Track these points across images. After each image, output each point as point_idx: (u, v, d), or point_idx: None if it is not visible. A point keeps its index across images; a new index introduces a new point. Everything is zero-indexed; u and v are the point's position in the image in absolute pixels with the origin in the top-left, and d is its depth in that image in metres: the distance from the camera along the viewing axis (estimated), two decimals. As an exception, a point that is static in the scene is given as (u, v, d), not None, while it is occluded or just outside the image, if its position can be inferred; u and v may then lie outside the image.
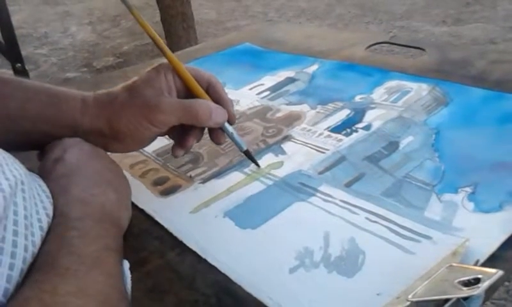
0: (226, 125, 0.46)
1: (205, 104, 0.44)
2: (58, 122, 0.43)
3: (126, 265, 0.34)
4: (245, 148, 0.47)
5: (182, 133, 0.46)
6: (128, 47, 3.19)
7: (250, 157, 0.48)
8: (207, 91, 0.45)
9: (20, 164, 0.34)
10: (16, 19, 2.76)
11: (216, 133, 0.46)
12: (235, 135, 0.46)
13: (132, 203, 0.44)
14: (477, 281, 0.29)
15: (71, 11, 4.09)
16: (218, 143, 0.47)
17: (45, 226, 0.32)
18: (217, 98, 0.45)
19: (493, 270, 0.29)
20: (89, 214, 0.34)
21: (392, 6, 3.37)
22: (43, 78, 2.76)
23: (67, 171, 0.38)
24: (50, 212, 0.34)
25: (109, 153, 0.45)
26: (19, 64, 1.81)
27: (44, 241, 0.32)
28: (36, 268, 0.29)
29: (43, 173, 0.39)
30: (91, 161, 0.40)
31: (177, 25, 2.67)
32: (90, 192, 0.37)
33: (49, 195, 0.35)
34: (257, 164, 0.48)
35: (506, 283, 1.15)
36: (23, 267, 0.29)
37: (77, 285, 0.29)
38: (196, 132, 0.46)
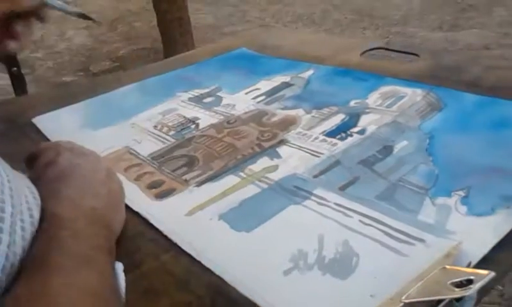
0: None
1: None
2: None
3: (119, 266, 0.34)
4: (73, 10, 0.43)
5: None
6: (124, 51, 3.19)
7: (83, 16, 0.45)
8: None
9: (5, 163, 0.34)
10: (12, 23, 2.75)
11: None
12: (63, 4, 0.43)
13: (127, 206, 0.44)
14: (469, 282, 0.29)
15: (67, 15, 4.08)
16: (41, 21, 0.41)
17: (28, 227, 0.32)
18: None
19: (485, 272, 0.30)
20: (80, 215, 0.35)
21: (388, 11, 3.39)
22: (39, 82, 2.75)
23: (58, 174, 0.38)
24: (35, 213, 0.34)
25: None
26: (15, 68, 1.81)
27: (35, 241, 0.32)
28: (27, 267, 0.30)
29: (35, 176, 0.39)
30: (83, 164, 0.40)
31: (174, 30, 2.67)
32: (81, 194, 0.37)
33: (37, 196, 0.35)
34: (93, 20, 0.45)
35: (500, 287, 1.15)
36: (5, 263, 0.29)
37: (68, 279, 0.29)
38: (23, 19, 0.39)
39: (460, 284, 0.30)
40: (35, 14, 0.40)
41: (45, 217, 0.34)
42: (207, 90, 0.71)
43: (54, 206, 0.35)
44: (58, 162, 0.39)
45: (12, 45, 0.40)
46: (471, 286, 0.29)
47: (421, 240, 0.38)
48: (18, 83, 1.57)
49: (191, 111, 0.65)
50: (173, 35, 2.69)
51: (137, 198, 0.47)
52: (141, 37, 3.35)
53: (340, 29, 3.22)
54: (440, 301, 0.30)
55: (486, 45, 2.65)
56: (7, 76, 1.70)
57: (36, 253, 0.31)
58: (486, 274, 0.29)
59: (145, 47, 3.19)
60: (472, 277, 0.30)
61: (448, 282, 0.30)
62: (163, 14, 2.68)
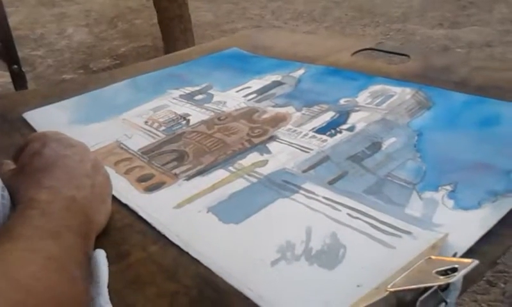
0: None
1: None
2: None
3: (102, 254, 0.34)
4: None
5: None
6: (125, 48, 3.18)
7: None
8: None
9: None
10: (12, 20, 2.74)
11: None
12: None
13: (116, 198, 0.44)
14: (454, 271, 0.30)
15: (67, 12, 4.07)
16: None
17: None
18: None
19: (468, 260, 0.30)
20: (57, 200, 0.35)
21: (389, 8, 3.40)
22: (39, 80, 2.74)
23: (42, 165, 0.39)
24: None
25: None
26: (16, 66, 1.80)
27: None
28: None
29: (20, 166, 0.39)
30: (69, 155, 0.40)
31: (174, 28, 2.67)
32: (62, 184, 0.37)
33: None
34: None
35: (502, 285, 1.16)
36: None
37: (26, 244, 0.29)
38: None
39: (445, 273, 0.30)
40: None
41: (22, 201, 0.34)
42: (198, 88, 0.72)
43: (33, 193, 0.35)
44: (43, 152, 0.39)
45: None
46: (455, 273, 0.29)
47: (408, 233, 0.38)
48: (19, 81, 1.56)
49: (182, 108, 0.65)
50: (173, 33, 2.68)
51: (127, 191, 0.47)
52: (142, 34, 3.35)
53: (341, 26, 3.22)
54: (425, 290, 0.30)
55: (487, 42, 2.65)
56: (8, 74, 1.69)
57: (2, 228, 0.31)
58: (470, 262, 0.30)
59: (146, 44, 3.18)
60: (456, 266, 0.30)
61: (433, 271, 0.30)
62: (163, 11, 2.68)
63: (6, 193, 0.36)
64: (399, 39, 2.88)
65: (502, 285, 1.16)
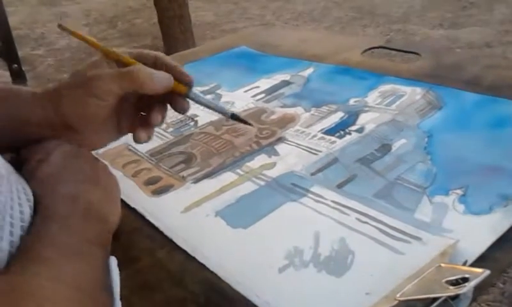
0: (195, 90, 0.42)
1: (144, 67, 0.40)
2: (11, 116, 0.41)
3: (113, 261, 0.34)
4: (230, 113, 0.43)
5: (145, 117, 0.43)
6: (125, 48, 3.18)
7: (239, 119, 0.43)
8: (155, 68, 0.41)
9: (1, 157, 0.34)
10: (13, 20, 2.75)
11: (178, 101, 0.43)
12: (213, 101, 0.42)
13: (124, 202, 0.44)
14: (464, 280, 0.29)
15: (68, 12, 4.08)
16: (182, 111, 0.44)
17: (17, 222, 0.32)
18: (167, 70, 0.41)
19: (479, 270, 0.29)
20: (75, 211, 0.34)
21: (389, 9, 3.37)
22: (39, 79, 2.75)
23: (53, 170, 0.38)
24: (25, 209, 0.33)
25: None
26: (16, 65, 1.81)
27: (24, 235, 0.31)
28: (12, 259, 0.30)
29: (26, 175, 0.39)
30: (76, 160, 0.40)
31: (175, 28, 2.67)
32: (78, 188, 0.37)
33: (28, 191, 0.35)
34: (249, 123, 0.44)
35: (501, 285, 1.15)
36: None
37: (50, 270, 0.29)
38: (157, 107, 0.43)
39: (455, 283, 0.30)
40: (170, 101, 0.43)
41: (39, 212, 0.34)
42: (206, 87, 0.71)
43: (50, 202, 0.34)
44: (50, 159, 0.39)
45: (139, 136, 0.43)
46: (466, 284, 0.29)
47: (417, 238, 0.37)
48: (19, 80, 1.57)
49: (190, 108, 0.65)
50: (173, 32, 2.69)
51: (134, 194, 0.47)
52: (142, 34, 3.35)
53: (341, 26, 3.21)
54: (435, 299, 0.30)
55: (487, 42, 2.63)
56: (8, 73, 1.70)
57: (23, 245, 0.30)
58: (481, 272, 0.29)
59: (146, 44, 3.19)
60: (467, 276, 0.29)
61: (443, 280, 0.30)
62: (164, 11, 2.68)
63: (30, 196, 0.35)
64: (399, 39, 2.85)
65: (501, 285, 1.15)
